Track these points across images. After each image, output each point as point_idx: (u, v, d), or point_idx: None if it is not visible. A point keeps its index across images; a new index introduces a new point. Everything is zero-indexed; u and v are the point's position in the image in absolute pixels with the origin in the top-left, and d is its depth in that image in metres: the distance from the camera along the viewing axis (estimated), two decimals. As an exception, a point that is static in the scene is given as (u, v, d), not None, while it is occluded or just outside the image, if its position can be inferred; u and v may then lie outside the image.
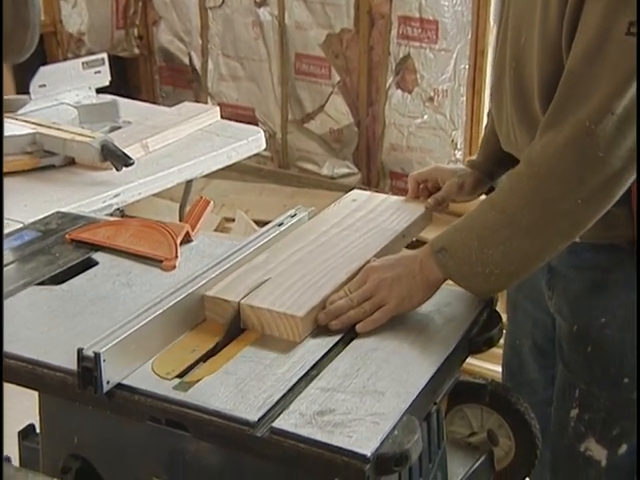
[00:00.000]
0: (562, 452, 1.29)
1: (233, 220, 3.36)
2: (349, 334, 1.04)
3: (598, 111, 0.98)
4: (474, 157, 1.40)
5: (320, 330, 1.04)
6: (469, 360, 1.09)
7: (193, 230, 1.31)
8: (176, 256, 1.22)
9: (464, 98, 3.23)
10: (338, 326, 1.04)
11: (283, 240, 1.21)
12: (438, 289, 1.08)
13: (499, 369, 1.52)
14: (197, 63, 3.90)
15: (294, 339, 1.00)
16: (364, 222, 1.27)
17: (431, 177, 1.35)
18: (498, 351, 1.46)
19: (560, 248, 1.05)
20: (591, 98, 0.99)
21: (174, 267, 1.21)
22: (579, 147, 1.00)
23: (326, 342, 1.01)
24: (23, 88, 2.17)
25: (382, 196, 1.38)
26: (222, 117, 2.17)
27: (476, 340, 1.06)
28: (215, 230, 3.30)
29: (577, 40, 1.02)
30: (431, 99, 3.32)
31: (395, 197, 1.37)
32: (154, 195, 1.91)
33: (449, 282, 1.09)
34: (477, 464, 1.17)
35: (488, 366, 2.30)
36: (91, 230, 1.31)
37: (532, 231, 1.02)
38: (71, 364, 0.92)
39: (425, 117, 3.36)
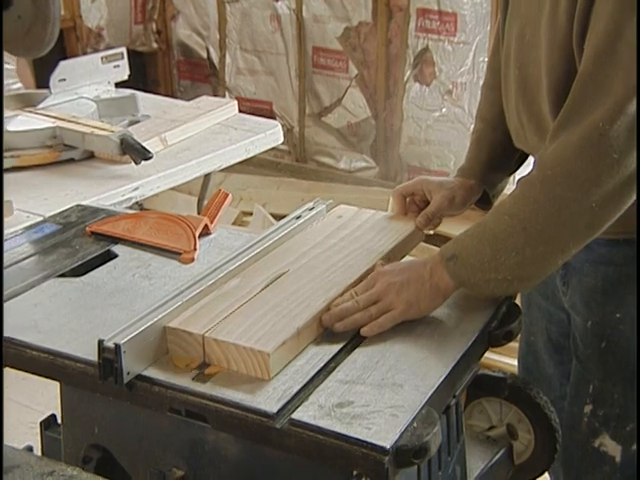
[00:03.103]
0: (576, 448, 1.28)
1: (251, 214, 3.37)
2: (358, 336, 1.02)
3: (612, 112, 0.97)
4: (465, 164, 1.32)
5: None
6: (487, 354, 1.08)
7: (212, 223, 1.31)
8: (195, 249, 1.23)
9: (483, 91, 3.22)
10: (341, 328, 1.01)
11: (258, 262, 1.13)
12: (447, 297, 1.05)
13: (517, 363, 1.51)
14: (215, 57, 3.91)
15: (262, 377, 0.92)
16: (348, 242, 1.19)
17: (418, 190, 1.29)
18: (516, 345, 1.46)
19: (574, 251, 1.03)
20: (605, 100, 0.98)
21: (193, 260, 1.21)
22: (594, 148, 0.98)
23: (341, 337, 1.00)
24: (43, 82, 2.19)
25: (369, 212, 1.30)
26: (240, 111, 2.18)
27: (495, 333, 1.05)
28: (233, 224, 3.30)
29: (588, 42, 1.00)
30: (449, 92, 3.30)
31: (383, 213, 1.30)
32: (172, 189, 1.92)
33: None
34: (496, 458, 1.17)
35: (506, 360, 2.29)
36: (111, 223, 1.32)
37: (545, 236, 1.00)
38: (92, 355, 0.93)
39: (443, 110, 3.34)
